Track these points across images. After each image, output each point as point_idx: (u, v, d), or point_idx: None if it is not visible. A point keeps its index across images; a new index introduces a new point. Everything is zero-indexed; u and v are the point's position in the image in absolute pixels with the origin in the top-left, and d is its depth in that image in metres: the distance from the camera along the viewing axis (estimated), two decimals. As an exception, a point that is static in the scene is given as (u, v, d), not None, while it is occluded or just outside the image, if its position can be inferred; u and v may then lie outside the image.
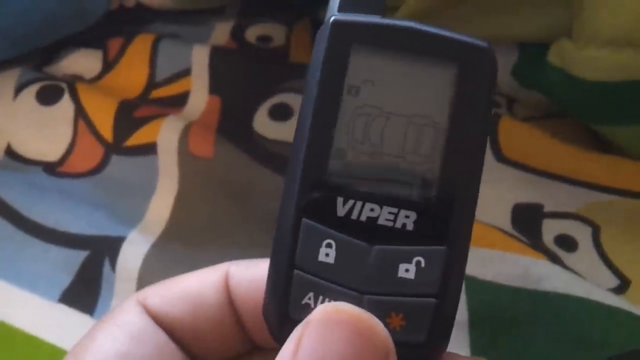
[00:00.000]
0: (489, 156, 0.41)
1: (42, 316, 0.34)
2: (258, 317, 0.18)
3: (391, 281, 0.16)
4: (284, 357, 0.15)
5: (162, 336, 0.19)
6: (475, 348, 0.32)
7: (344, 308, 0.15)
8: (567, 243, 0.37)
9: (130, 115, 0.42)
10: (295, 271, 0.16)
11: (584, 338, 0.32)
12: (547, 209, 0.39)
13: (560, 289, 0.33)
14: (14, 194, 0.39)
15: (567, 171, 0.40)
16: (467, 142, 0.16)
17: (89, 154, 0.41)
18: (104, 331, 0.18)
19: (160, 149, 0.40)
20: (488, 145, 0.41)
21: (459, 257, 0.16)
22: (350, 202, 0.16)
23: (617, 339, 0.32)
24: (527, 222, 0.38)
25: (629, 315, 0.32)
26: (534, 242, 0.37)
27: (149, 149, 0.41)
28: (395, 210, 0.16)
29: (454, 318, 0.17)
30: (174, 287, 0.19)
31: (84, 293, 0.35)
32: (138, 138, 0.41)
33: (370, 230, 0.16)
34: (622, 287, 0.35)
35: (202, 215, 0.38)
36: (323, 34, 0.17)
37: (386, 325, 0.16)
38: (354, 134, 0.16)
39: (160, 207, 0.38)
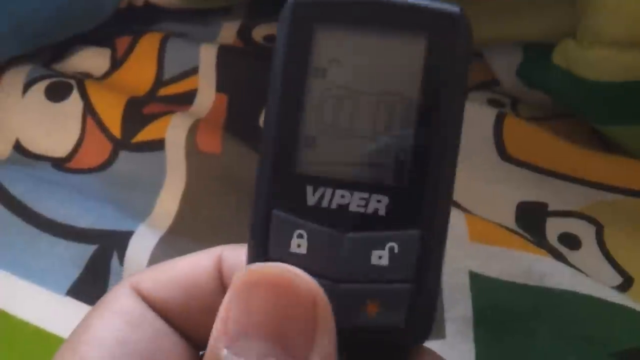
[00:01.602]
0: (493, 155, 0.41)
1: (51, 309, 0.34)
2: None
3: (365, 268, 0.16)
4: (216, 334, 0.15)
5: (158, 321, 0.19)
6: (480, 344, 0.32)
7: (258, 268, 0.15)
8: (571, 241, 0.38)
9: (138, 112, 0.43)
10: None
11: (587, 334, 0.32)
12: (551, 207, 0.39)
13: (564, 286, 0.33)
14: (23, 189, 0.39)
15: (571, 170, 0.40)
16: (441, 118, 0.15)
17: (98, 149, 0.42)
18: (100, 318, 0.18)
19: (168, 145, 0.41)
20: (493, 144, 0.42)
21: (435, 240, 0.16)
22: (320, 189, 0.16)
23: (620, 335, 0.32)
24: (531, 220, 0.38)
25: (632, 312, 0.32)
26: (538, 240, 0.37)
27: (157, 145, 0.41)
28: (366, 195, 0.16)
29: (434, 303, 0.16)
30: (167, 272, 0.19)
31: (92, 286, 0.35)
32: (146, 134, 0.42)
33: (342, 218, 0.16)
34: (625, 284, 0.36)
35: (209, 210, 0.38)
36: (285, 14, 0.16)
37: (363, 312, 0.15)
38: (322, 118, 0.16)
39: (168, 202, 0.39)
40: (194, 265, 0.19)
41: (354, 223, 0.16)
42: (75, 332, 0.18)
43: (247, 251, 0.17)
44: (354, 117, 0.16)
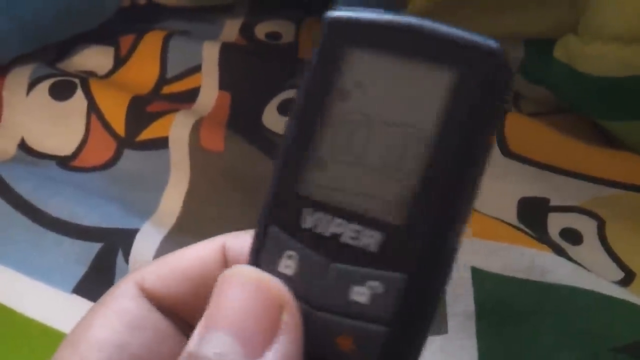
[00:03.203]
0: (495, 151, 0.41)
1: (56, 307, 0.34)
2: None
3: (343, 302, 0.15)
4: (201, 322, 0.16)
5: (161, 321, 0.18)
6: (482, 339, 0.32)
7: (235, 268, 0.16)
8: (573, 236, 0.38)
9: (142, 110, 0.43)
10: None
11: (589, 329, 0.32)
12: (552, 202, 0.39)
13: (566, 281, 0.33)
14: (28, 187, 0.39)
15: (573, 166, 0.41)
16: (457, 161, 0.14)
17: (102, 148, 0.42)
18: (102, 319, 0.18)
19: (171, 143, 0.41)
20: (495, 140, 0.42)
21: (423, 288, 0.15)
22: (318, 214, 0.15)
23: (622, 329, 0.32)
24: (533, 215, 0.38)
25: (633, 306, 0.33)
26: (540, 235, 0.37)
27: (161, 143, 0.41)
28: (360, 228, 0.15)
29: (412, 352, 0.15)
30: (172, 265, 0.19)
31: (98, 284, 0.35)
32: (150, 132, 0.42)
33: (332, 246, 0.15)
34: (627, 279, 0.36)
35: (213, 207, 0.38)
36: (322, 30, 0.15)
37: (335, 344, 0.15)
38: (336, 141, 0.15)
39: (172, 199, 0.39)
40: (199, 256, 0.19)
41: (342, 254, 0.15)
42: (76, 330, 0.18)
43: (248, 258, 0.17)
44: (367, 145, 0.15)
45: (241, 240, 0.19)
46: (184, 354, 0.15)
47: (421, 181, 0.14)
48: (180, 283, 0.19)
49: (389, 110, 0.15)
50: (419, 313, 0.15)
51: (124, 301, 0.18)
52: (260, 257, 0.16)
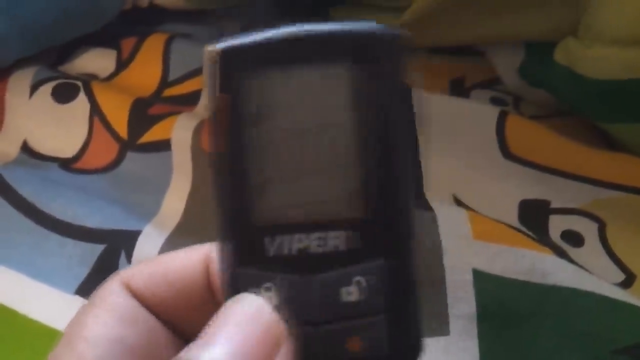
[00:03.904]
0: (496, 153, 0.42)
1: (59, 308, 0.34)
2: None
3: (336, 307, 0.15)
4: (199, 339, 0.16)
5: (151, 318, 0.19)
6: (483, 340, 0.32)
7: (241, 297, 0.16)
8: (574, 238, 0.38)
9: (144, 112, 0.43)
10: None
11: (590, 331, 0.32)
12: (553, 205, 0.39)
13: (567, 283, 0.34)
14: (31, 189, 0.39)
15: (573, 168, 0.41)
16: (385, 143, 0.15)
17: (105, 150, 0.42)
18: (95, 316, 0.18)
19: (174, 145, 0.41)
20: (496, 142, 0.42)
21: (402, 265, 0.15)
22: (278, 238, 0.15)
23: (623, 331, 0.32)
24: (533, 217, 0.39)
25: (634, 308, 0.33)
26: (541, 237, 0.37)
27: (163, 145, 0.42)
28: (323, 234, 0.15)
29: (415, 325, 0.16)
30: (157, 269, 0.19)
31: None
32: (152, 135, 0.42)
33: (304, 262, 0.15)
34: (628, 281, 0.36)
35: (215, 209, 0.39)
36: (212, 63, 0.15)
37: (347, 349, 0.15)
38: (266, 164, 0.15)
39: (175, 201, 0.39)
40: (184, 263, 0.19)
41: (317, 264, 0.15)
42: (70, 330, 0.18)
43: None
44: (296, 156, 0.15)
45: None
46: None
47: (363, 171, 0.15)
48: (162, 284, 0.19)
49: (304, 119, 0.15)
50: (407, 287, 0.15)
51: (113, 298, 0.19)
52: None
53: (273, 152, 0.15)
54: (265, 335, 0.15)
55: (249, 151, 0.15)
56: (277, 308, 0.16)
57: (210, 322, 0.16)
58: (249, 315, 0.16)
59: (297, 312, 0.16)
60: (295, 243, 0.15)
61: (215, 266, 0.19)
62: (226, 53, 0.15)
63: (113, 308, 0.18)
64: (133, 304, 0.19)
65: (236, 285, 0.16)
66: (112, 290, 0.19)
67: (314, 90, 0.15)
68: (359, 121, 0.15)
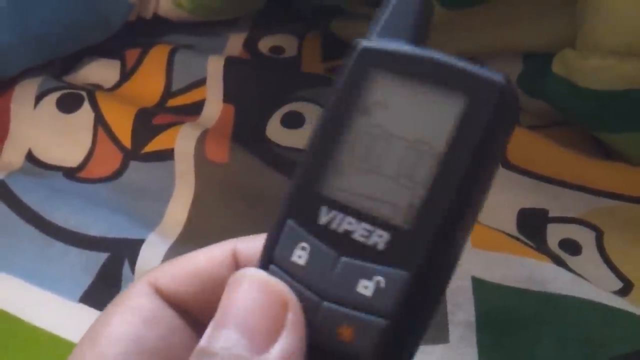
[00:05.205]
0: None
1: (63, 316, 0.35)
2: None
3: (349, 293, 0.16)
4: (212, 321, 0.17)
5: (174, 318, 0.19)
6: (482, 348, 0.33)
7: (242, 272, 0.17)
8: (572, 247, 0.38)
9: (148, 122, 0.44)
10: (271, 266, 0.17)
11: (588, 338, 0.32)
12: (551, 214, 0.40)
13: (565, 291, 0.34)
14: (36, 198, 0.40)
15: (572, 177, 0.41)
16: (461, 177, 0.16)
17: (108, 159, 0.42)
18: (118, 315, 0.19)
19: (177, 155, 0.42)
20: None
21: (424, 287, 0.16)
22: (333, 212, 0.17)
23: (620, 339, 0.32)
24: (532, 226, 0.39)
25: (631, 316, 0.33)
26: (539, 245, 0.38)
27: (167, 155, 0.42)
28: (371, 227, 0.16)
29: (408, 347, 0.17)
30: (184, 267, 0.20)
31: (104, 293, 0.36)
32: (156, 144, 0.43)
33: (344, 242, 0.17)
34: (625, 289, 0.36)
35: (217, 218, 0.39)
36: (351, 55, 0.17)
37: (337, 334, 0.16)
38: (355, 150, 0.17)
39: (178, 210, 0.39)
40: (210, 259, 0.20)
41: (352, 250, 0.17)
42: (94, 327, 0.19)
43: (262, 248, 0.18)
44: (383, 156, 0.17)
45: (251, 245, 0.20)
46: (196, 350, 0.16)
47: (429, 192, 0.16)
48: (191, 282, 0.19)
49: (405, 128, 0.16)
50: (418, 310, 0.16)
51: (138, 299, 0.19)
52: (275, 247, 0.17)
53: (364, 143, 0.17)
54: (271, 304, 0.16)
55: (345, 132, 0.17)
56: (303, 268, 0.17)
57: (220, 302, 0.17)
58: (253, 288, 0.17)
59: (314, 279, 0.17)
60: (345, 224, 0.17)
61: (244, 257, 0.20)
62: (366, 49, 0.17)
63: (137, 308, 0.19)
64: (158, 304, 0.19)
65: (279, 233, 0.17)
66: (138, 291, 0.19)
67: (424, 107, 0.16)
68: (447, 148, 0.16)
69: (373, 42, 0.17)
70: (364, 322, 0.16)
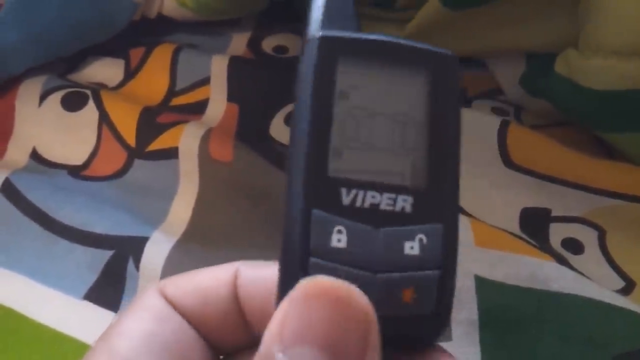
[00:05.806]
0: (498, 162, 0.42)
1: (68, 313, 0.35)
2: (260, 314, 0.20)
3: (399, 259, 0.17)
4: (270, 338, 0.15)
5: (181, 320, 0.20)
6: (485, 346, 0.33)
7: (320, 280, 0.16)
8: (574, 246, 0.38)
9: (152, 121, 0.44)
10: (312, 259, 0.17)
11: (591, 337, 0.33)
12: (554, 213, 0.40)
13: (568, 290, 0.34)
14: (41, 196, 0.40)
15: (574, 177, 0.41)
16: (445, 133, 0.18)
17: (113, 158, 0.43)
18: (130, 313, 0.20)
19: (181, 153, 0.42)
20: (497, 151, 0.42)
21: (453, 232, 0.18)
22: (353, 191, 0.17)
23: (623, 338, 0.33)
24: (534, 225, 0.39)
25: (634, 314, 0.33)
26: (542, 244, 0.38)
27: (171, 153, 0.42)
28: (394, 195, 0.18)
29: (454, 288, 0.18)
30: (189, 280, 0.21)
31: (109, 291, 0.36)
32: (160, 143, 0.43)
33: (374, 215, 0.17)
34: (628, 288, 0.36)
35: (221, 216, 0.39)
36: (312, 47, 0.18)
37: (400, 299, 0.17)
38: (347, 132, 0.18)
39: (182, 208, 0.40)
40: (213, 277, 0.21)
41: (386, 219, 0.18)
42: (109, 328, 0.20)
43: (282, 252, 0.18)
44: (373, 133, 0.18)
45: (252, 268, 0.21)
46: None
47: (428, 152, 0.18)
48: (193, 296, 0.20)
49: (384, 105, 0.18)
50: (455, 251, 0.18)
51: (149, 300, 0.20)
52: (308, 240, 0.17)
53: (352, 124, 0.18)
54: (358, 323, 0.15)
55: (333, 120, 0.18)
56: (347, 250, 0.17)
57: (286, 309, 0.15)
58: (334, 300, 0.15)
59: (361, 257, 0.17)
60: (369, 198, 0.18)
61: (243, 278, 0.21)
62: (329, 39, 0.18)
63: (148, 307, 0.20)
64: (166, 305, 0.20)
65: (308, 225, 0.17)
66: (149, 294, 0.20)
67: (395, 84, 0.18)
68: (427, 115, 0.18)
69: (329, 31, 0.18)
70: (422, 278, 0.17)
